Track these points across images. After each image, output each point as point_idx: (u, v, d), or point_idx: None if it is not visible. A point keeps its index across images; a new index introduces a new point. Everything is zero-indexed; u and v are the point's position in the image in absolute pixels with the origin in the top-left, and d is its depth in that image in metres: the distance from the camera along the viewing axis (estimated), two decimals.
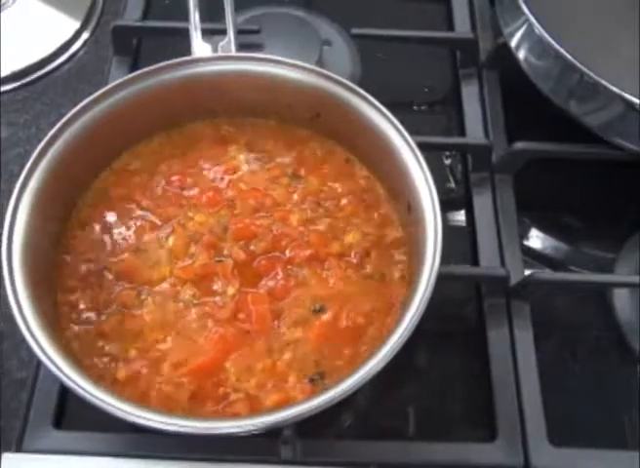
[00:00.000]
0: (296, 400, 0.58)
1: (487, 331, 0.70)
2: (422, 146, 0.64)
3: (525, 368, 0.67)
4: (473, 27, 0.92)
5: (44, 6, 0.95)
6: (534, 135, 0.78)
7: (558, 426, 0.65)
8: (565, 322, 0.74)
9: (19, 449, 0.62)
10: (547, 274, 0.75)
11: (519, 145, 0.77)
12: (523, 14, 0.74)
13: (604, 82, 0.68)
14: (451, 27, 0.93)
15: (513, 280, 0.70)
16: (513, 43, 0.79)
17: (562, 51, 0.70)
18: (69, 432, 0.63)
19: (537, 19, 0.73)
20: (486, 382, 0.67)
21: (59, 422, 0.64)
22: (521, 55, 0.78)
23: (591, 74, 0.69)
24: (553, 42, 0.71)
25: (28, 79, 0.88)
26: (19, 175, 0.61)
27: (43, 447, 0.62)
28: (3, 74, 0.87)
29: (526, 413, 0.65)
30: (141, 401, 0.58)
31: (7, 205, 0.59)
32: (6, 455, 0.61)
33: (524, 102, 0.81)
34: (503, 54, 0.82)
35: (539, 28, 0.72)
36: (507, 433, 0.64)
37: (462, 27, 0.92)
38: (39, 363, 0.64)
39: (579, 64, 0.69)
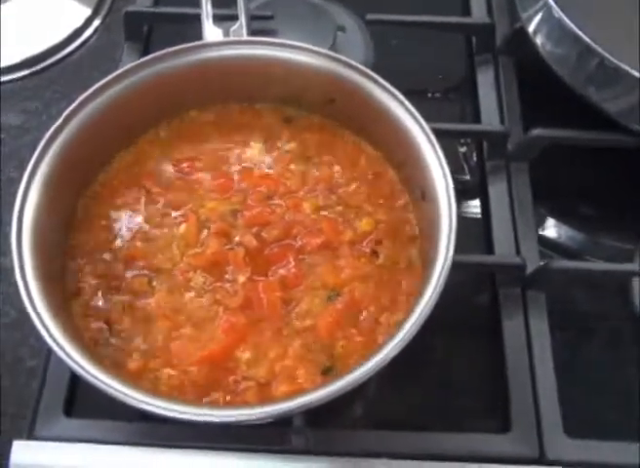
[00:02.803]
0: (306, 389, 0.57)
1: (502, 321, 0.69)
2: (437, 133, 0.63)
3: (540, 358, 0.66)
4: (489, 12, 0.90)
5: None
6: (550, 121, 0.77)
7: (574, 417, 0.64)
8: (581, 312, 0.73)
9: (30, 437, 0.62)
10: (564, 263, 0.74)
11: (535, 132, 0.76)
12: None
13: (624, 66, 0.67)
14: (466, 13, 0.92)
15: (529, 269, 0.69)
16: (531, 28, 0.78)
17: (582, 34, 0.69)
18: (80, 420, 0.63)
19: (556, 2, 0.72)
20: (500, 373, 0.66)
21: (69, 410, 0.64)
22: (539, 39, 0.77)
23: (612, 58, 0.68)
24: (573, 25, 0.70)
25: (40, 66, 0.88)
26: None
27: (54, 434, 0.62)
28: (14, 61, 0.87)
29: (541, 404, 0.64)
30: (152, 389, 0.57)
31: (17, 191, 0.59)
32: (17, 443, 0.61)
33: (540, 89, 0.81)
34: (520, 39, 0.81)
35: (558, 12, 0.71)
36: (522, 424, 0.63)
37: (479, 12, 0.91)
38: (50, 351, 0.64)
39: (599, 48, 0.68)
